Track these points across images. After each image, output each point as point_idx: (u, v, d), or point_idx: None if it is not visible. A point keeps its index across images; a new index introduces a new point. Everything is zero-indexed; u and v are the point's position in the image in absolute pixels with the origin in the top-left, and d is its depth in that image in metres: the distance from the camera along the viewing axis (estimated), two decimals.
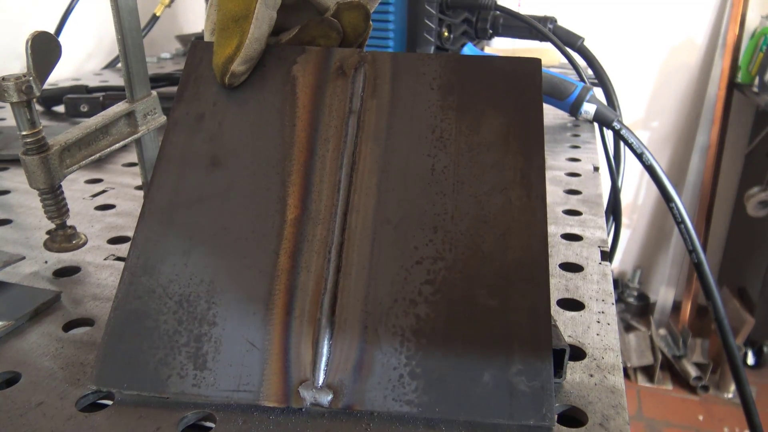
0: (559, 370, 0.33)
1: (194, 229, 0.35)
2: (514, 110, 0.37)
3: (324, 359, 0.31)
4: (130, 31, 0.45)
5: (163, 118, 0.50)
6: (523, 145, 0.36)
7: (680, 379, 2.01)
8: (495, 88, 0.38)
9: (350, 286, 0.33)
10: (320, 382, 0.30)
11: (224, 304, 0.33)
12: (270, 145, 0.38)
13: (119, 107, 0.46)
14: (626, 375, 2.02)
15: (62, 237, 0.43)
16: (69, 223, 0.44)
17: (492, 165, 0.36)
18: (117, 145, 0.47)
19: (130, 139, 0.48)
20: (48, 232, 0.44)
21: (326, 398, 0.30)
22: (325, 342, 0.31)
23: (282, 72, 0.40)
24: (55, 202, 0.42)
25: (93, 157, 0.45)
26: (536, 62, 0.39)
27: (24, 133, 0.40)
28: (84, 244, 0.45)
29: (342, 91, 0.39)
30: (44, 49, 0.39)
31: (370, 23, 0.45)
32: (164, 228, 0.35)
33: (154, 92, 0.49)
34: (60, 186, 0.43)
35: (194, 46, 0.43)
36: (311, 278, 0.33)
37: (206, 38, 0.45)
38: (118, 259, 0.46)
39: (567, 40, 0.89)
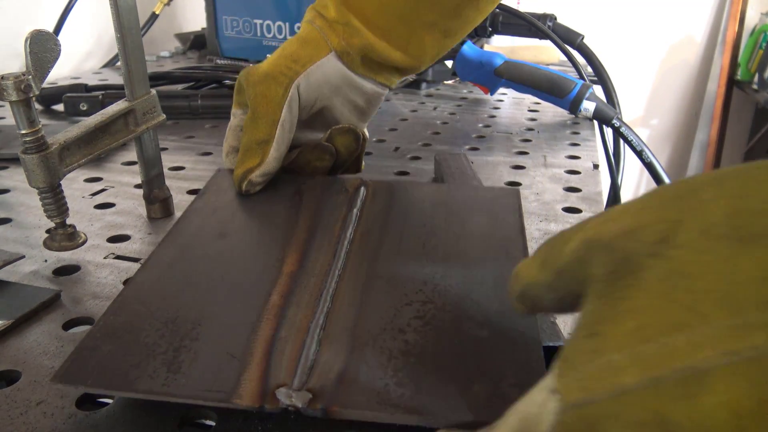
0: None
1: (193, 275, 0.37)
2: (497, 217, 0.43)
3: (307, 367, 0.30)
4: (130, 29, 0.45)
5: (162, 117, 0.50)
6: (506, 235, 0.41)
7: None
8: (479, 204, 0.45)
9: (339, 318, 0.33)
10: (299, 385, 0.29)
11: (210, 326, 0.33)
12: (274, 226, 0.43)
13: (119, 106, 0.46)
14: None
15: (62, 236, 0.43)
16: (68, 221, 0.44)
17: (479, 247, 0.40)
18: (116, 144, 0.47)
19: (129, 137, 0.48)
20: (48, 231, 0.44)
21: (303, 400, 0.28)
22: (310, 354, 0.31)
23: (292, 187, 0.48)
24: (54, 201, 0.42)
25: (92, 155, 0.45)
26: (515, 191, 0.47)
27: (23, 131, 0.40)
28: (84, 242, 0.45)
29: (344, 199, 0.46)
30: (43, 47, 0.39)
31: (365, 139, 0.53)
32: (164, 274, 0.37)
33: (153, 91, 0.49)
34: (59, 185, 0.43)
35: (219, 171, 0.52)
36: (301, 311, 0.34)
37: (224, 158, 0.53)
38: (118, 257, 0.46)
39: (566, 38, 0.89)
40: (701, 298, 0.17)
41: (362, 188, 0.47)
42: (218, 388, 0.29)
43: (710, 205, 0.18)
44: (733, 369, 0.15)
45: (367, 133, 0.54)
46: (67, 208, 0.44)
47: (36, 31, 0.38)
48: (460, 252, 0.39)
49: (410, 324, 0.33)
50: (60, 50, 0.40)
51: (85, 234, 0.45)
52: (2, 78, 0.37)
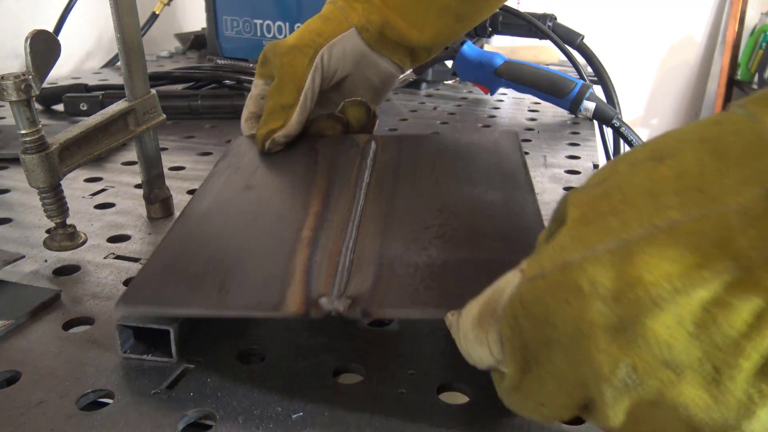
0: None
1: (227, 220, 0.40)
2: (500, 154, 0.46)
3: (343, 282, 0.33)
4: (130, 29, 0.45)
5: (162, 117, 0.50)
6: (510, 168, 0.44)
7: None
8: (483, 145, 0.48)
9: (366, 243, 0.36)
10: (338, 294, 0.32)
11: (250, 257, 0.35)
12: (295, 177, 0.46)
13: (119, 106, 0.46)
14: None
15: (62, 236, 0.43)
16: (68, 221, 0.44)
17: (486, 178, 0.43)
18: (117, 144, 0.47)
19: (129, 137, 0.48)
20: (48, 231, 0.44)
21: (344, 305, 0.31)
22: (345, 271, 0.33)
23: (307, 145, 0.52)
24: (55, 201, 0.42)
25: (92, 155, 0.45)
26: (513, 132, 0.51)
27: (23, 131, 0.40)
28: (84, 242, 0.45)
29: (357, 152, 0.49)
30: (43, 47, 0.39)
31: (376, 115, 0.56)
32: (200, 222, 0.40)
33: (153, 91, 0.49)
34: (60, 185, 0.43)
35: (236, 139, 0.55)
36: (331, 240, 0.37)
37: (242, 123, 0.56)
38: (118, 257, 0.46)
39: (566, 38, 0.89)
40: (630, 194, 0.21)
41: (372, 142, 0.51)
42: (266, 302, 0.31)
43: (636, 152, 0.23)
44: (654, 239, 0.19)
45: (378, 114, 0.57)
46: (68, 208, 0.44)
47: (36, 31, 0.38)
48: (470, 183, 0.42)
49: (431, 242, 0.35)
50: (60, 50, 0.41)
51: (85, 234, 0.45)
52: (2, 78, 0.37)
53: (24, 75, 0.38)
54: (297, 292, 0.32)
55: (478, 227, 0.37)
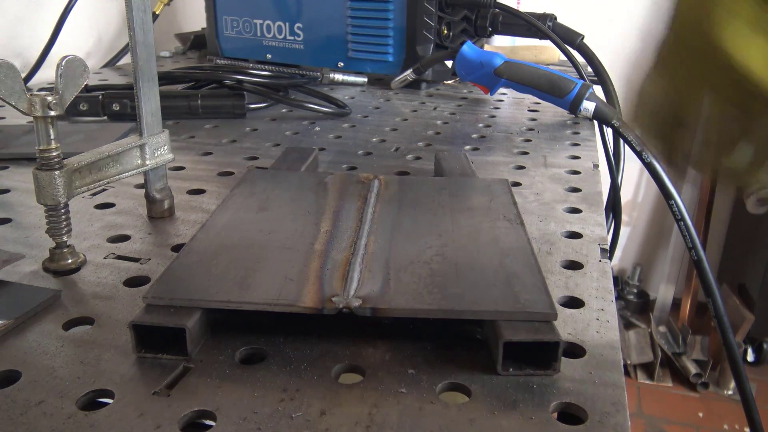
0: (553, 363, 0.33)
1: (244, 233, 0.43)
2: (492, 195, 0.51)
3: (353, 287, 0.36)
4: (146, 65, 0.47)
5: (171, 157, 0.52)
6: (502, 206, 0.49)
7: (680, 376, 2.02)
8: (476, 188, 0.53)
9: (374, 256, 0.40)
10: (350, 294, 0.35)
11: (267, 264, 0.39)
12: (306, 202, 0.49)
13: (132, 140, 0.48)
14: (626, 372, 2.03)
15: (60, 255, 0.44)
16: (68, 218, 0.44)
17: (480, 214, 0.47)
18: (125, 175, 0.48)
19: (138, 170, 0.49)
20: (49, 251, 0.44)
21: (355, 303, 0.34)
22: (354, 279, 0.37)
23: (316, 179, 0.54)
24: (59, 220, 0.43)
25: (102, 182, 0.46)
26: (504, 179, 0.55)
27: (41, 147, 0.41)
28: (83, 263, 0.45)
29: (362, 188, 0.52)
30: (73, 72, 0.41)
31: None
32: (219, 233, 0.43)
33: (165, 131, 0.51)
34: (67, 204, 0.43)
35: (249, 170, 0.57)
36: (341, 254, 0.40)
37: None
38: (118, 257, 0.46)
39: (566, 38, 0.89)
40: None
41: (376, 180, 0.54)
42: (284, 298, 0.35)
43: None
44: None
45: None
46: (70, 229, 0.44)
47: (68, 57, 0.41)
48: (466, 214, 0.47)
49: (433, 259, 0.40)
50: (88, 75, 0.43)
51: (84, 254, 0.45)
52: (32, 94, 0.40)
53: (52, 94, 0.40)
54: (312, 291, 0.35)
55: (474, 249, 0.41)
